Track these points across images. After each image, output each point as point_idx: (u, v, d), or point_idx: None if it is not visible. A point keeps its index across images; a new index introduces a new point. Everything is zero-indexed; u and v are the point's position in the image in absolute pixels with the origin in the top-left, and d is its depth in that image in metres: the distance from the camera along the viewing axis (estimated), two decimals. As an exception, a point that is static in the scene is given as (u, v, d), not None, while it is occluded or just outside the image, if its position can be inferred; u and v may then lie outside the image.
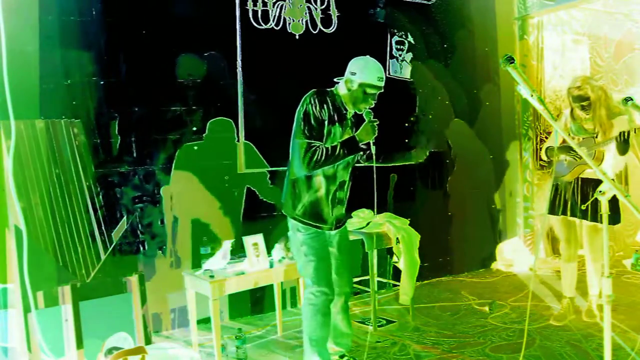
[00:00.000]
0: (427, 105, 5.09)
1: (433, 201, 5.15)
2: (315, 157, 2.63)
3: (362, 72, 2.70)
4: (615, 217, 3.45)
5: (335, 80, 2.86)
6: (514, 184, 5.64)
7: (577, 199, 3.65)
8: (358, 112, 2.82)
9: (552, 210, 3.79)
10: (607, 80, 6.19)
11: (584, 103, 3.53)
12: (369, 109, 2.79)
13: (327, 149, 2.66)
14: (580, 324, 3.70)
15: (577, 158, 3.58)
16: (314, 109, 2.67)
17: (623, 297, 4.18)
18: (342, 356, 3.14)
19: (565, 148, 3.59)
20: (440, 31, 5.17)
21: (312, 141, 2.66)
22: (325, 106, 2.69)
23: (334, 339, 3.10)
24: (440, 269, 5.18)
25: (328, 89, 2.82)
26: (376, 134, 2.71)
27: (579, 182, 3.66)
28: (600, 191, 2.14)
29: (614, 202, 3.14)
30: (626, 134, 3.27)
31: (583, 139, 3.60)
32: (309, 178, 2.79)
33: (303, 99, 2.75)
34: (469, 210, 5.37)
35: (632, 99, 3.20)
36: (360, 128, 2.73)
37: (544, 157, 3.88)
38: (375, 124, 2.71)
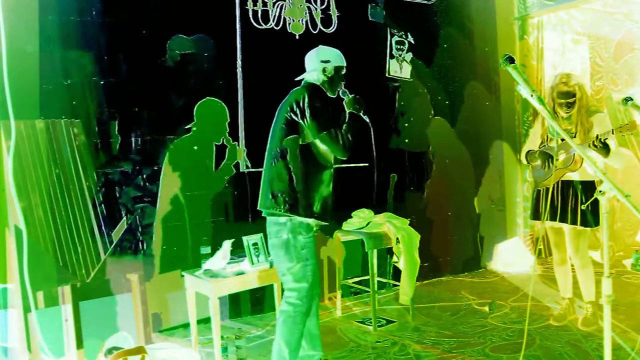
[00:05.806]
0: (427, 104, 5.09)
1: (434, 200, 5.16)
2: (350, 137, 2.76)
3: (335, 58, 2.92)
4: (596, 218, 3.39)
5: (297, 79, 2.95)
6: (513, 183, 5.64)
7: (558, 203, 3.54)
8: (332, 95, 2.93)
9: (536, 216, 3.70)
10: (607, 80, 6.19)
11: (570, 100, 3.43)
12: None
13: (345, 128, 2.80)
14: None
15: (557, 159, 3.45)
16: (325, 100, 2.80)
17: (623, 297, 4.18)
18: None
19: (546, 151, 3.50)
20: (440, 31, 5.17)
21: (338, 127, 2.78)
22: (325, 94, 2.86)
23: (310, 342, 3.00)
24: (440, 269, 5.18)
25: (311, 83, 2.88)
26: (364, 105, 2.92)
27: (560, 186, 3.55)
28: (600, 191, 2.13)
29: (595, 204, 3.06)
30: (602, 138, 3.20)
31: (562, 140, 3.42)
32: (321, 173, 2.81)
33: (301, 96, 2.73)
34: (469, 210, 5.38)
35: (632, 99, 3.19)
36: (349, 103, 2.91)
37: (524, 162, 3.76)
38: (358, 96, 2.93)
